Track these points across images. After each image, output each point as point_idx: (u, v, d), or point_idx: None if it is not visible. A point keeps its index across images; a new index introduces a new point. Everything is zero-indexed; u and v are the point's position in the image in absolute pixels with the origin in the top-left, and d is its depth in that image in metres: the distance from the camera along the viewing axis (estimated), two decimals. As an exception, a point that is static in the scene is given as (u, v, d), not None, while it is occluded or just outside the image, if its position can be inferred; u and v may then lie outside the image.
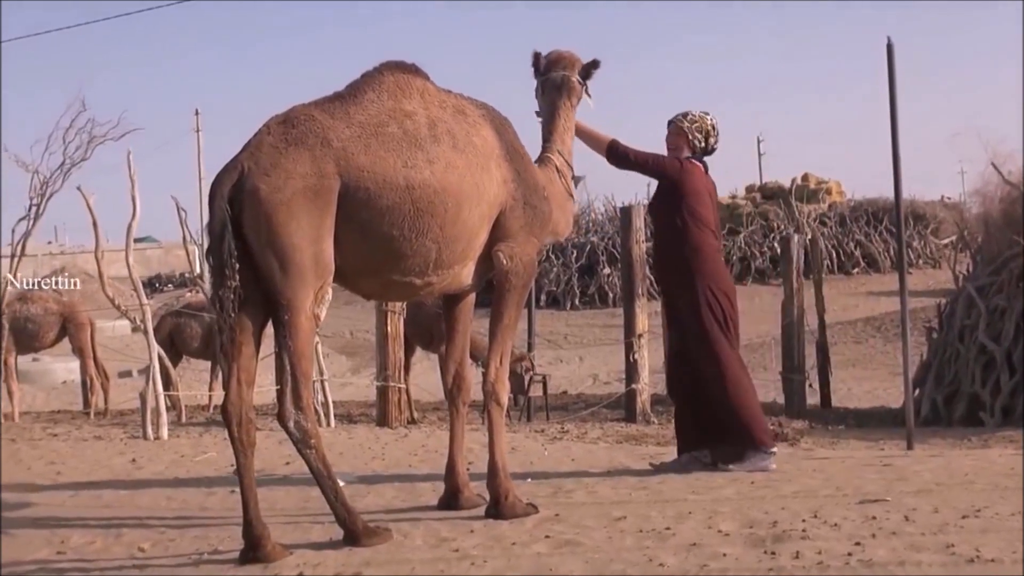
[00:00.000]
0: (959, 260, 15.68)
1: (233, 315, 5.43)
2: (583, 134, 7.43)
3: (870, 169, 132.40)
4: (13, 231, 13.54)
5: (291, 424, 5.50)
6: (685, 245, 7.47)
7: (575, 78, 6.98)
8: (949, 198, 46.34)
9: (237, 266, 5.41)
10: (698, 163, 7.69)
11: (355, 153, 5.69)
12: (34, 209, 13.29)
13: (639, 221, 12.85)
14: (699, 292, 7.41)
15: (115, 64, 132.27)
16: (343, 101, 5.93)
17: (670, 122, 7.77)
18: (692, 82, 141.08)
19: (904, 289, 9.01)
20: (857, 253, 40.20)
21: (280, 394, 5.64)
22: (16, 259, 13.76)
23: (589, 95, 7.07)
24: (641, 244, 12.74)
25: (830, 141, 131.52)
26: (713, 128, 7.73)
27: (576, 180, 7.25)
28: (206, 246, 5.68)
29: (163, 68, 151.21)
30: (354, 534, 5.54)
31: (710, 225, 7.54)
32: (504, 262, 6.21)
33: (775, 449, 7.45)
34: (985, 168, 13.30)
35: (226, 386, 5.67)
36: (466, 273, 6.19)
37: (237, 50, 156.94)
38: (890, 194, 8.62)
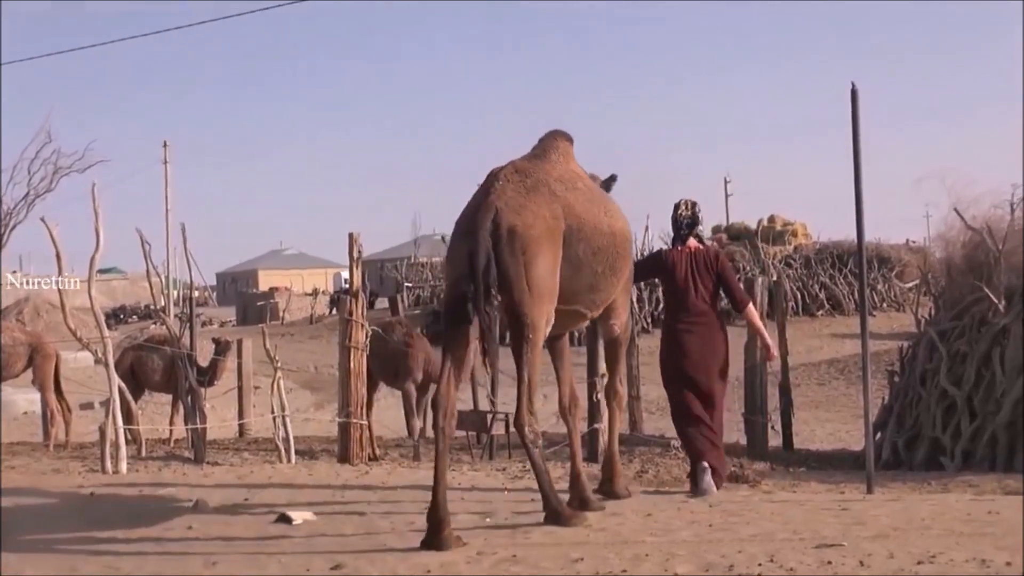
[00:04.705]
0: (922, 304, 15.76)
1: (496, 329, 6.32)
2: None
3: (837, 211, 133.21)
4: (-24, 261, 13.46)
5: (526, 428, 6.56)
6: None
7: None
8: (914, 241, 46.79)
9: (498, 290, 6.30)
10: (670, 246, 8.90)
11: (572, 203, 6.75)
12: (-4, 240, 13.20)
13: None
14: None
15: (82, 95, 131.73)
16: (540, 160, 7.04)
17: None
18: (659, 122, 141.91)
19: (865, 332, 9.03)
20: (822, 295, 40.37)
21: (517, 403, 6.58)
22: (-21, 287, 13.66)
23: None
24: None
25: (797, 183, 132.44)
26: (675, 208, 8.73)
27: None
28: (473, 271, 6.32)
29: (130, 99, 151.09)
30: (562, 514, 6.68)
31: (672, 301, 8.78)
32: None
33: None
34: (948, 213, 13.39)
35: (440, 382, 6.55)
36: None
37: (205, 82, 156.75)
38: (855, 237, 8.70)
